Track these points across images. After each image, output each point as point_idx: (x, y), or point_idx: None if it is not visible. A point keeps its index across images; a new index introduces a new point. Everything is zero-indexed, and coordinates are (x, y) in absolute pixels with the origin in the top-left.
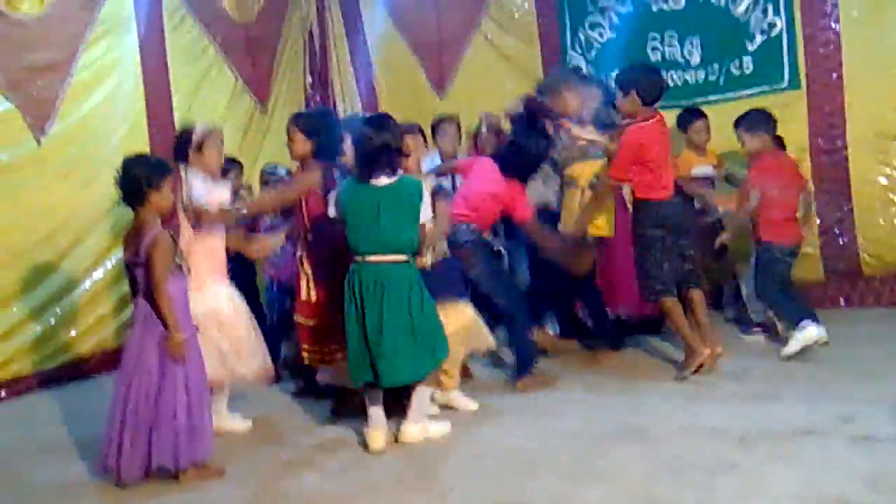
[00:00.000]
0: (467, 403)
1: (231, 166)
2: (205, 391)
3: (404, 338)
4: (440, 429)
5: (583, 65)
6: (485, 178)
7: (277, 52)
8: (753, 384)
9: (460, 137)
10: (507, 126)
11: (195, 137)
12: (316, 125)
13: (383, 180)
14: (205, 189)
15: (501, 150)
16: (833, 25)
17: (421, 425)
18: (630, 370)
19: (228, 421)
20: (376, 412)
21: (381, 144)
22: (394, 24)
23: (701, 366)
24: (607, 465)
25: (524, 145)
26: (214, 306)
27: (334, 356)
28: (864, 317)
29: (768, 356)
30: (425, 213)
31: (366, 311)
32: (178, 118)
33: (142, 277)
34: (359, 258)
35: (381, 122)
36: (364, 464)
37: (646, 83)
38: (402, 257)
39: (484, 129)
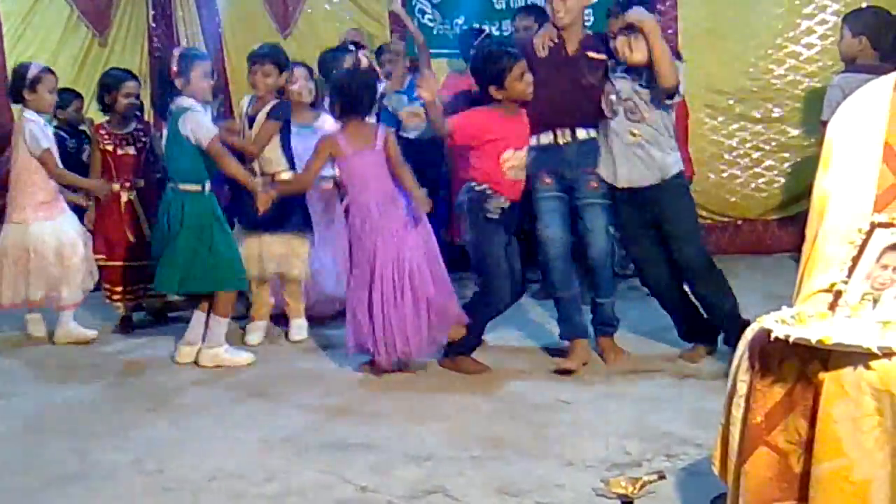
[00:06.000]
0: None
1: (72, 97)
2: None
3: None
4: (239, 358)
5: (428, 9)
6: None
7: None
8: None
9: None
10: None
11: (29, 75)
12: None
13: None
14: (42, 134)
15: None
16: None
17: (214, 350)
18: None
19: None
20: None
21: None
22: None
23: None
24: (447, 405)
25: None
26: (57, 235)
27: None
28: None
29: None
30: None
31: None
32: (8, 49)
33: None
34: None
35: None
36: None
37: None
38: (191, 187)
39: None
